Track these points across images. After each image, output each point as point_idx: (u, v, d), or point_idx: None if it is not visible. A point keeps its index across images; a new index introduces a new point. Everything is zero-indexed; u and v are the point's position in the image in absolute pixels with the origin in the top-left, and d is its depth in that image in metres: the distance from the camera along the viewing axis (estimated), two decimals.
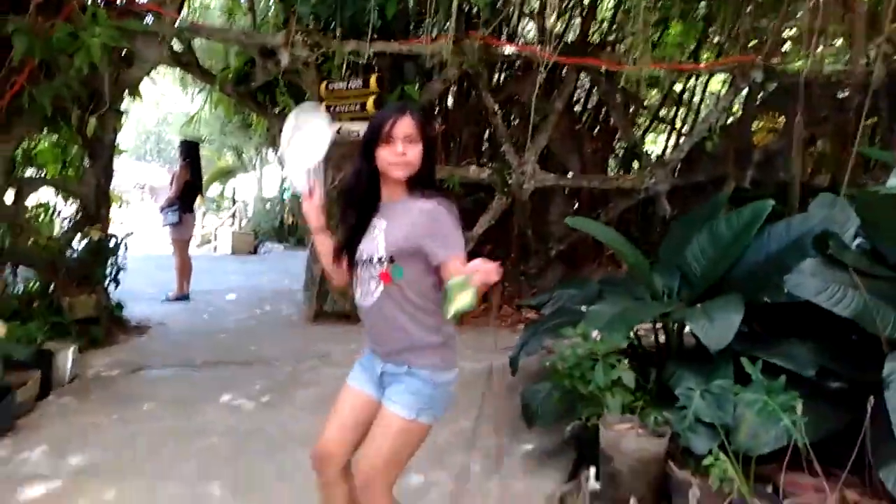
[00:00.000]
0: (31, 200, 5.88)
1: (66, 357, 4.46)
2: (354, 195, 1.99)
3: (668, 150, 7.57)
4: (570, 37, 6.96)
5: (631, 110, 7.27)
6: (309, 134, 2.09)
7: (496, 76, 7.12)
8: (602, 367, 2.78)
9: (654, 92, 7.70)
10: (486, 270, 1.62)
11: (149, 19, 5.56)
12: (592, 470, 2.87)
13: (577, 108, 7.62)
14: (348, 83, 5.44)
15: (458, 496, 3.06)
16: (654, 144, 8.66)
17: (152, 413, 4.04)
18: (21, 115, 4.95)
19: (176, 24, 5.52)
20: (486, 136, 7.24)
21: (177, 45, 5.76)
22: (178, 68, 5.93)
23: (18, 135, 5.12)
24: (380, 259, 1.91)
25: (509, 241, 6.81)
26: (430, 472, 3.26)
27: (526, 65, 6.64)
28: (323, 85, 5.59)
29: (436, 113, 6.83)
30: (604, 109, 7.22)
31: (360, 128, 5.43)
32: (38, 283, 5.45)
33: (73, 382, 4.52)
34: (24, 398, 3.92)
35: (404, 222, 1.90)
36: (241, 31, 5.61)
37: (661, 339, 3.67)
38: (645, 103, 7.58)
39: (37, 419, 3.91)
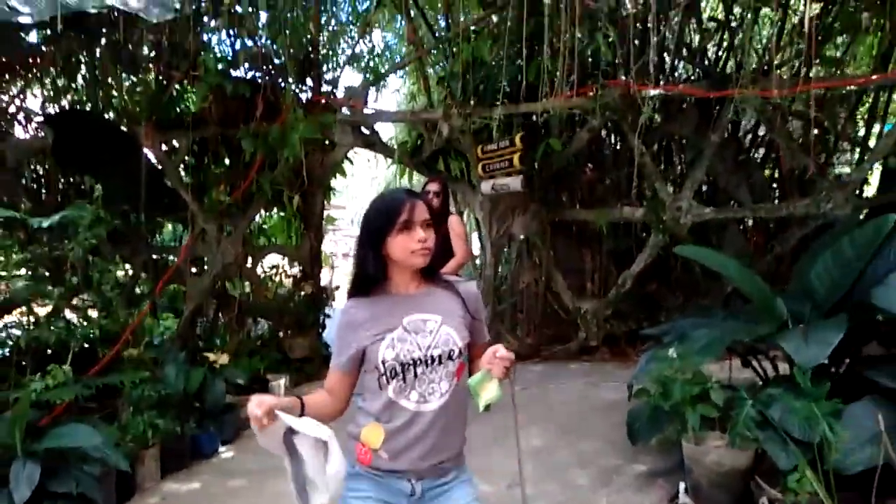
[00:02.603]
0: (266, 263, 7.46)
1: (280, 385, 5.61)
2: (365, 290, 1.78)
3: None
4: (729, 66, 6.87)
5: (806, 133, 6.84)
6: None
7: (652, 114, 7.27)
8: (680, 385, 2.92)
9: (839, 110, 7.14)
10: (502, 361, 1.63)
11: (345, 111, 6.86)
12: (682, 484, 2.99)
13: (749, 136, 7.36)
14: (498, 143, 6.10)
15: None
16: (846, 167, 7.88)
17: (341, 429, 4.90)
18: (252, 199, 6.42)
19: (364, 112, 6.75)
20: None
21: (364, 129, 6.96)
22: (366, 148, 7.12)
23: (251, 214, 6.62)
24: (458, 353, 1.74)
25: (674, 278, 6.77)
26: (543, 485, 3.59)
27: (680, 101, 6.73)
28: (479, 148, 6.33)
29: (585, 159, 7.17)
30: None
31: (510, 181, 6.04)
32: (268, 329, 6.87)
33: None
34: (246, 415, 5.05)
35: (455, 310, 1.78)
36: (410, 111, 6.63)
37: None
38: (826, 124, 7.06)
39: (253, 432, 5.00)
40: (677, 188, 6.43)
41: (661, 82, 6.87)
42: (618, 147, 7.16)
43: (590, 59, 6.20)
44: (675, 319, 4.11)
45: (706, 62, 7.11)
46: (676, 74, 7.36)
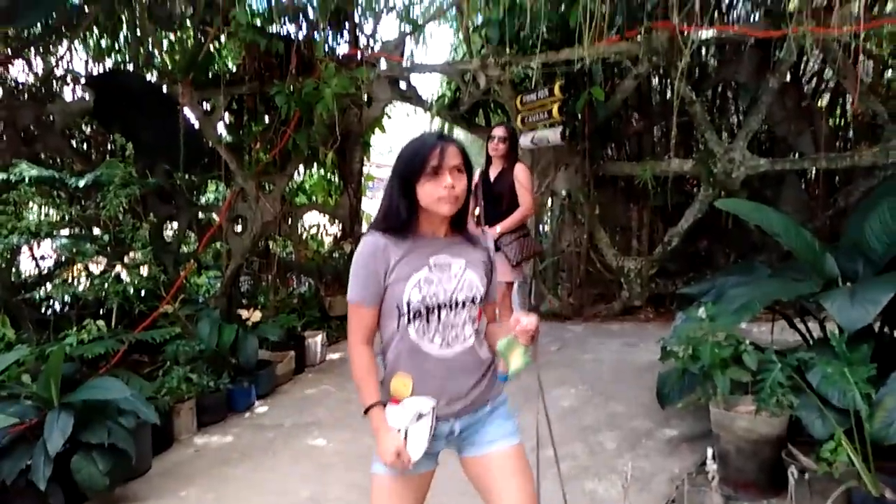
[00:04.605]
0: (307, 222, 7.51)
1: (316, 343, 5.66)
2: (396, 233, 1.71)
3: None
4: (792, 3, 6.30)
5: (878, 75, 6.26)
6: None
7: (708, 60, 6.82)
8: (709, 347, 2.74)
9: None
10: (528, 329, 1.64)
11: (383, 64, 6.70)
12: (710, 450, 2.82)
13: (813, 80, 6.80)
14: (537, 93, 5.83)
15: (584, 469, 3.25)
16: None
17: None
18: (289, 157, 6.41)
19: (401, 65, 6.59)
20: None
21: (401, 83, 6.79)
22: (403, 102, 6.97)
23: (289, 172, 6.62)
24: (480, 299, 1.74)
25: (727, 234, 6.42)
26: (568, 446, 3.49)
27: (737, 44, 6.26)
28: (518, 99, 6.07)
29: (632, 109, 6.82)
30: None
31: (549, 133, 5.79)
32: (309, 287, 6.94)
33: (322, 363, 5.70)
34: (283, 371, 5.14)
35: (478, 259, 1.77)
36: (447, 62, 6.42)
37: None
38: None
39: (289, 387, 5.11)
40: (732, 139, 6.02)
41: (716, 23, 6.40)
42: (667, 96, 6.75)
43: (636, 0, 5.82)
44: (714, 278, 3.85)
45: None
46: (735, 14, 6.82)
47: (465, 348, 1.72)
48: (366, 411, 1.69)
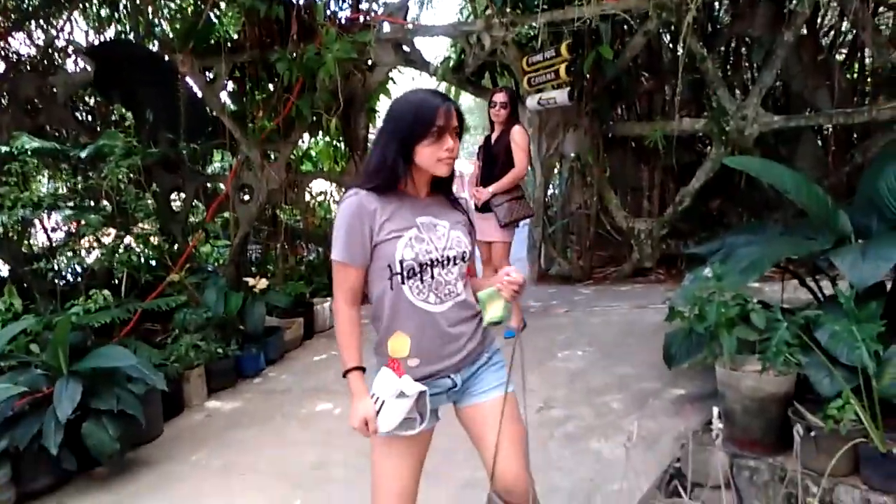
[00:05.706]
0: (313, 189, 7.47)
1: (324, 309, 5.67)
2: (383, 191, 1.68)
3: None
4: None
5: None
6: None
7: (720, 15, 6.62)
8: (715, 306, 2.68)
9: None
10: (513, 285, 1.68)
11: (386, 28, 6.57)
12: (716, 409, 2.78)
13: (831, 33, 6.58)
14: (544, 54, 5.68)
15: (591, 429, 3.24)
16: None
17: None
18: (293, 124, 6.34)
19: (404, 28, 6.44)
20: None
21: (405, 47, 6.66)
22: (407, 66, 6.83)
23: (294, 140, 6.55)
24: (469, 255, 1.78)
25: (740, 193, 6.29)
26: (575, 408, 3.49)
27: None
28: (524, 59, 5.93)
29: (641, 68, 6.65)
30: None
31: (556, 94, 5.66)
32: (318, 254, 6.94)
33: (331, 329, 5.72)
34: (291, 338, 5.18)
35: (460, 220, 1.80)
36: (451, 24, 6.27)
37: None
38: None
39: (298, 353, 5.14)
40: (745, 96, 5.86)
41: None
42: (678, 53, 6.56)
43: None
44: (724, 237, 3.77)
45: None
46: None
47: (458, 302, 1.73)
48: (345, 374, 1.69)
